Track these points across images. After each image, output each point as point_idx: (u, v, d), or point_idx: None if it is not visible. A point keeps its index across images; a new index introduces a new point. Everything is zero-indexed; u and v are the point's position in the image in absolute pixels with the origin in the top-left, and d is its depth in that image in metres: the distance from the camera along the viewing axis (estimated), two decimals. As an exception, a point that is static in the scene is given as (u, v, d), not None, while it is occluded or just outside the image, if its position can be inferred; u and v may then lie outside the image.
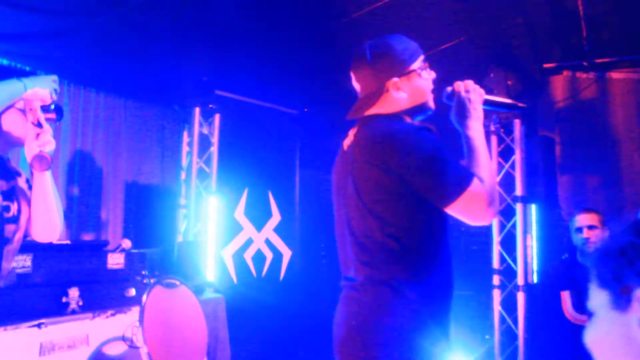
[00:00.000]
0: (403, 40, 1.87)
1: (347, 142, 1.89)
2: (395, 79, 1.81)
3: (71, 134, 4.68)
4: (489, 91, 4.71)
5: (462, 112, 1.85)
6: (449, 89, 1.89)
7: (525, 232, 4.80)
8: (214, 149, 4.81)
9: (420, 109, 1.88)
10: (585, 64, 5.49)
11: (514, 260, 4.76)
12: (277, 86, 5.28)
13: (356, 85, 1.91)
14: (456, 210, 1.66)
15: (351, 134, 1.89)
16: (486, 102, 1.90)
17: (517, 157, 4.86)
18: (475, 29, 4.53)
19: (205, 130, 4.80)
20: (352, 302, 1.77)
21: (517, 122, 4.90)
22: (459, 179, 1.64)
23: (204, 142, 4.81)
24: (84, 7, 3.89)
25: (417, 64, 1.85)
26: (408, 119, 1.85)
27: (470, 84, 1.87)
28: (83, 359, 2.91)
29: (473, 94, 1.86)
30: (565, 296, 3.50)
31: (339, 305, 1.85)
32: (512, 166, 4.90)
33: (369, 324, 1.69)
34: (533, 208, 5.02)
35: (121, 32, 4.21)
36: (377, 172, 1.70)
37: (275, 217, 5.54)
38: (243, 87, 5.17)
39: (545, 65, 5.61)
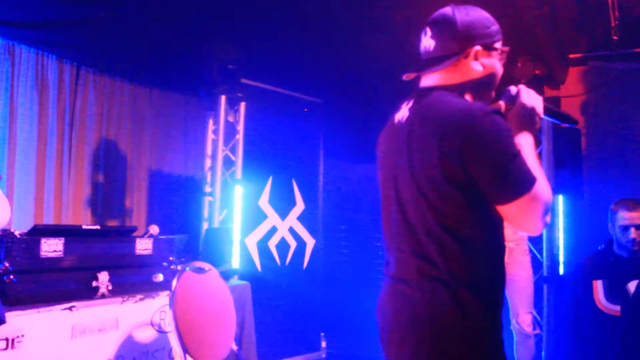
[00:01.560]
0: (491, 17, 1.74)
1: (400, 116, 1.74)
2: (478, 47, 1.67)
3: (96, 122, 4.72)
4: (516, 81, 4.68)
5: (520, 119, 1.72)
6: (514, 90, 1.76)
7: (552, 223, 4.76)
8: (240, 137, 4.81)
9: (486, 90, 1.74)
10: (612, 54, 5.41)
11: (540, 252, 4.72)
12: (302, 75, 5.27)
13: (428, 43, 1.74)
14: (510, 211, 1.54)
15: (405, 107, 1.74)
16: (546, 113, 1.78)
17: (544, 148, 4.81)
18: (500, 19, 4.49)
19: (230, 118, 4.81)
20: (405, 296, 1.63)
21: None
22: (524, 179, 1.51)
23: (230, 130, 4.82)
24: (111, -5, 3.91)
25: (500, 45, 1.73)
26: (469, 96, 1.70)
27: (533, 92, 1.76)
28: (113, 342, 2.94)
29: (537, 103, 1.74)
30: (598, 285, 3.44)
31: (387, 295, 1.72)
32: (539, 157, 4.85)
33: (427, 322, 1.56)
34: (560, 199, 4.96)
35: (147, 20, 4.23)
36: (439, 153, 1.53)
37: (299, 206, 5.54)
38: (268, 75, 5.17)
39: (572, 56, 5.54)
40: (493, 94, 1.77)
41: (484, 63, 1.69)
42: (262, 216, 5.18)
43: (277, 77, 5.22)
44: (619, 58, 5.45)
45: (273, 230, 5.26)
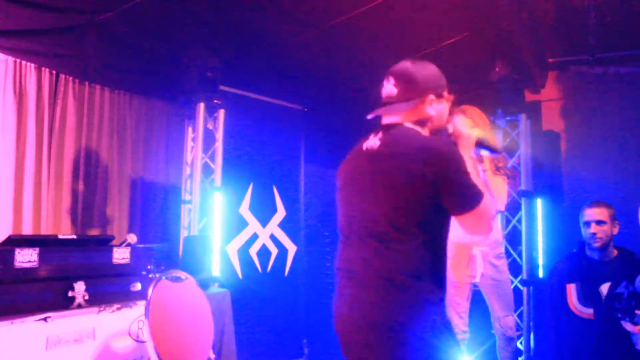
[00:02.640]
0: (439, 72, 2.15)
1: (369, 144, 2.07)
2: (432, 97, 2.07)
3: (76, 130, 4.69)
4: (495, 85, 4.71)
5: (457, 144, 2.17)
6: (450, 127, 2.23)
7: (531, 226, 4.79)
8: (219, 145, 4.81)
9: (437, 126, 2.14)
10: (590, 58, 5.47)
11: (520, 255, 4.76)
12: (282, 82, 5.28)
13: (390, 90, 2.10)
14: (466, 220, 1.92)
15: (374, 137, 2.08)
16: (477, 143, 2.27)
17: (523, 151, 4.85)
18: (479, 25, 4.53)
19: (210, 126, 4.80)
20: (362, 298, 1.93)
21: (522, 117, 4.89)
22: (476, 193, 1.91)
23: (209, 137, 4.81)
24: (89, 4, 3.90)
25: (446, 93, 2.14)
26: (426, 130, 2.10)
27: (466, 119, 2.37)
28: (89, 353, 2.92)
29: (469, 133, 2.24)
30: (571, 289, 3.49)
31: (343, 297, 2.02)
32: (518, 161, 4.89)
33: (374, 315, 1.88)
34: (538, 202, 5.00)
35: (125, 28, 4.23)
36: (411, 175, 1.89)
37: (280, 213, 5.54)
38: (247, 82, 5.18)
39: (550, 60, 5.60)
40: (441, 130, 2.20)
41: (435, 108, 2.09)
42: (243, 223, 5.17)
43: (257, 84, 5.23)
44: (597, 62, 5.52)
45: (254, 237, 5.25)
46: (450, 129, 2.23)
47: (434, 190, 1.87)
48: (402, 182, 1.90)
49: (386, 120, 2.12)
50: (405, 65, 2.10)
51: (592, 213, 3.59)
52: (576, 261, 3.58)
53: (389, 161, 1.96)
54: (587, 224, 3.57)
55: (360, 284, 1.96)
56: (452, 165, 1.90)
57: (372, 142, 2.07)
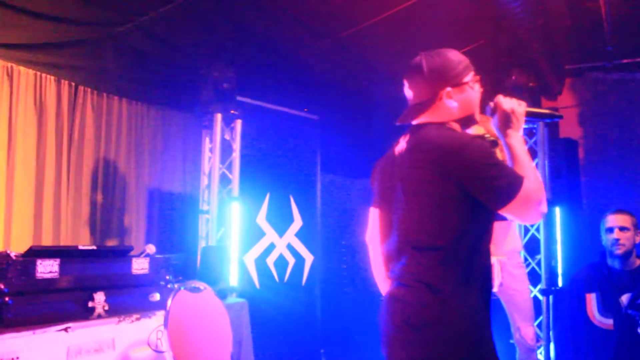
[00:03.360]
0: (457, 54, 2.01)
1: (399, 148, 2.02)
2: (449, 89, 1.95)
3: (94, 140, 4.75)
4: (511, 93, 4.68)
5: (504, 123, 1.98)
6: (492, 104, 2.02)
7: (549, 235, 4.75)
8: (236, 155, 4.83)
9: (468, 119, 2.02)
10: (608, 65, 5.44)
11: (538, 264, 4.72)
12: (298, 92, 5.30)
13: (408, 93, 2.05)
14: (511, 211, 1.81)
15: (402, 140, 2.03)
16: (528, 114, 2.04)
17: (540, 160, 4.82)
18: (494, 32, 4.52)
19: (227, 136, 4.83)
20: (397, 301, 1.89)
21: (540, 125, 4.85)
22: (513, 183, 1.78)
23: (226, 147, 4.84)
24: (107, 17, 3.95)
25: (469, 77, 1.99)
26: (457, 125, 2.00)
27: (512, 100, 2.01)
28: (109, 363, 2.94)
29: (516, 106, 1.99)
30: (591, 299, 3.45)
31: (384, 303, 1.97)
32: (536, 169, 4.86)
33: (410, 323, 1.82)
34: (557, 211, 4.96)
35: (143, 40, 4.28)
36: (433, 176, 1.83)
37: (297, 222, 5.55)
38: (264, 93, 5.21)
39: (567, 67, 5.56)
40: (475, 117, 2.04)
41: (458, 99, 1.97)
42: (260, 233, 5.18)
43: (273, 94, 5.26)
44: (614, 68, 5.48)
45: (271, 247, 5.26)
46: (492, 106, 2.04)
47: (460, 190, 1.79)
48: (423, 187, 1.86)
49: (415, 121, 2.04)
50: (415, 62, 2.02)
51: (615, 219, 3.54)
52: (597, 270, 3.54)
53: (410, 164, 1.91)
54: (610, 230, 3.52)
55: (396, 286, 1.92)
56: (472, 160, 1.79)
57: (401, 145, 2.02)
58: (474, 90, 2.00)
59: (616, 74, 5.59)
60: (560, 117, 2.25)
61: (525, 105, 2.04)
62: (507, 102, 2.00)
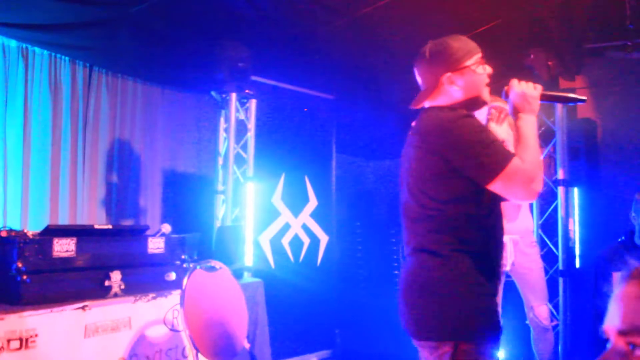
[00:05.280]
0: (460, 40, 2.10)
1: (411, 131, 2.13)
2: (449, 74, 2.05)
3: (109, 122, 4.75)
4: (528, 73, 4.62)
5: (517, 106, 2.06)
6: (506, 87, 2.10)
7: (567, 216, 4.70)
8: (251, 135, 4.82)
9: (474, 101, 2.10)
10: (628, 44, 5.33)
11: (556, 245, 4.68)
12: (313, 71, 5.26)
13: (418, 80, 2.18)
14: (497, 188, 1.89)
15: (413, 124, 2.14)
16: (544, 97, 2.10)
17: (559, 139, 4.75)
18: (512, 11, 4.43)
19: (241, 116, 4.81)
20: (406, 264, 2.07)
21: (558, 105, 4.78)
22: (498, 159, 1.87)
23: (241, 128, 4.83)
24: (120, -2, 3.93)
25: (472, 61, 2.07)
26: (463, 111, 2.04)
27: (526, 83, 2.08)
28: (126, 341, 2.96)
29: (528, 90, 2.06)
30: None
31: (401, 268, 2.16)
32: (554, 149, 4.79)
33: (414, 281, 1.99)
34: (575, 192, 4.90)
35: (156, 20, 4.25)
36: (426, 156, 1.96)
37: (312, 203, 5.54)
38: (278, 72, 5.17)
39: (586, 46, 5.46)
40: (483, 96, 2.12)
41: (460, 83, 2.06)
42: (275, 213, 5.18)
43: (288, 74, 5.22)
44: (634, 47, 5.37)
45: (286, 227, 5.26)
46: (505, 90, 2.12)
47: (449, 167, 1.91)
48: (419, 166, 1.99)
49: (425, 105, 2.17)
50: (422, 51, 2.14)
51: None
52: (624, 248, 3.48)
53: (412, 146, 2.04)
54: None
55: (407, 254, 2.09)
56: (456, 137, 1.90)
57: (412, 128, 2.14)
58: (476, 73, 2.07)
59: (637, 53, 5.48)
60: (583, 100, 2.23)
61: (542, 88, 2.09)
62: (519, 86, 2.07)
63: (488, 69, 2.10)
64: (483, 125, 1.99)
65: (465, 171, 1.90)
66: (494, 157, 1.87)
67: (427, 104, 2.14)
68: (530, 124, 2.03)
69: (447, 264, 1.92)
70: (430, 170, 1.95)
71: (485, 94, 2.12)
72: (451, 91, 2.07)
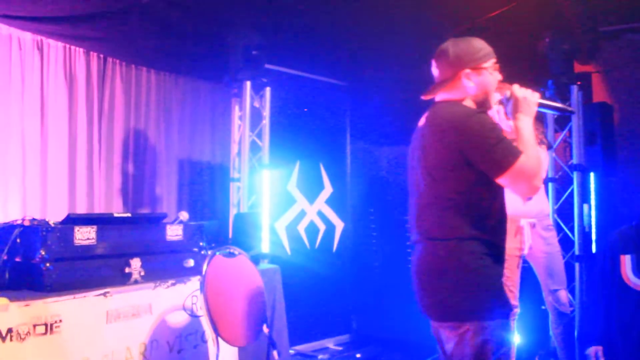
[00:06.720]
0: (481, 42, 2.25)
1: (421, 122, 2.26)
2: (468, 70, 2.18)
3: (125, 111, 4.79)
4: (544, 56, 4.57)
5: (516, 108, 2.21)
6: (508, 92, 2.25)
7: (583, 201, 4.67)
8: (266, 122, 4.83)
9: (482, 101, 2.23)
10: (645, 26, 5.25)
11: (571, 230, 4.66)
12: (327, 59, 5.26)
13: (435, 72, 2.28)
14: (505, 181, 2.04)
15: (424, 116, 2.26)
16: (540, 105, 2.27)
17: (575, 124, 4.71)
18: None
19: (256, 104, 4.83)
20: (418, 250, 2.18)
21: (574, 89, 4.74)
22: (509, 154, 2.01)
23: (256, 115, 4.84)
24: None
25: (489, 64, 2.22)
26: (473, 104, 2.21)
27: (527, 90, 2.23)
28: (147, 326, 3.00)
29: (527, 95, 2.22)
30: (626, 260, 3.38)
31: (412, 257, 2.25)
32: (569, 134, 4.76)
33: (430, 267, 2.12)
34: (591, 176, 4.87)
35: (170, 9, 4.26)
36: (441, 147, 2.07)
37: (327, 189, 5.56)
38: (292, 60, 5.17)
39: (602, 29, 5.39)
40: (491, 98, 2.26)
41: (475, 81, 2.20)
42: (291, 200, 5.21)
43: (302, 62, 5.22)
44: (652, 30, 5.29)
45: (302, 214, 5.29)
46: (508, 94, 2.26)
47: (463, 159, 2.03)
48: (433, 156, 2.11)
49: (436, 98, 2.29)
50: (444, 45, 2.25)
51: None
52: (634, 233, 3.46)
53: (426, 137, 2.17)
54: None
55: (416, 241, 2.22)
56: (471, 132, 2.03)
57: (423, 119, 2.26)
58: (492, 75, 2.22)
59: (654, 36, 5.40)
60: (573, 112, 2.52)
61: (539, 96, 2.25)
62: (520, 91, 2.23)
63: (499, 76, 2.25)
64: (495, 122, 2.13)
65: (478, 164, 2.03)
66: (505, 153, 2.01)
67: (439, 96, 2.26)
68: (529, 125, 2.18)
69: (460, 249, 2.04)
70: (445, 161, 2.07)
71: (492, 97, 2.26)
72: (466, 87, 2.19)
